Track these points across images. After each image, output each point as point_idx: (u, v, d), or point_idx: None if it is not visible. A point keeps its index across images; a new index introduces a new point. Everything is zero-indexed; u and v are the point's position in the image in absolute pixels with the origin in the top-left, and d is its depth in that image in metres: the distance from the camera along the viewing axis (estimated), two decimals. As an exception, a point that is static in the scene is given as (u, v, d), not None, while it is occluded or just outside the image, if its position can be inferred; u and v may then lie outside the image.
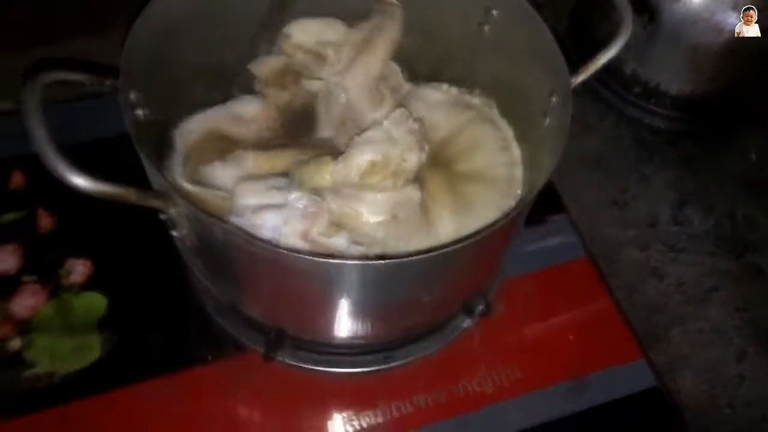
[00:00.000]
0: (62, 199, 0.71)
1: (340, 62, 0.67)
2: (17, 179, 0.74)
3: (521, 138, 0.69)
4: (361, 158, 0.59)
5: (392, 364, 0.67)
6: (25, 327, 0.66)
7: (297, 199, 0.56)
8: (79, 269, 0.69)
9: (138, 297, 0.69)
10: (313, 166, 0.60)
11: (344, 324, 0.59)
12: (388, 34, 0.67)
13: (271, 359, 0.64)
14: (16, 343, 0.65)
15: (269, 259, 0.49)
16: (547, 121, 0.62)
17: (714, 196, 0.92)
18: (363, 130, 0.61)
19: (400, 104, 0.69)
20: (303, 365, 0.66)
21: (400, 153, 0.60)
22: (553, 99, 0.61)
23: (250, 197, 0.56)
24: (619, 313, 0.74)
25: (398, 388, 0.67)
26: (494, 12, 0.67)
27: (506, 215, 0.52)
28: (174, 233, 0.53)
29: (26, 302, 0.66)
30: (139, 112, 0.56)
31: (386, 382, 0.67)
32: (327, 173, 0.59)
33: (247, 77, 0.70)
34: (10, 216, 0.72)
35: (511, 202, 0.65)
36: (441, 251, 0.49)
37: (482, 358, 0.69)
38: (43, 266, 0.69)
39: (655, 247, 0.87)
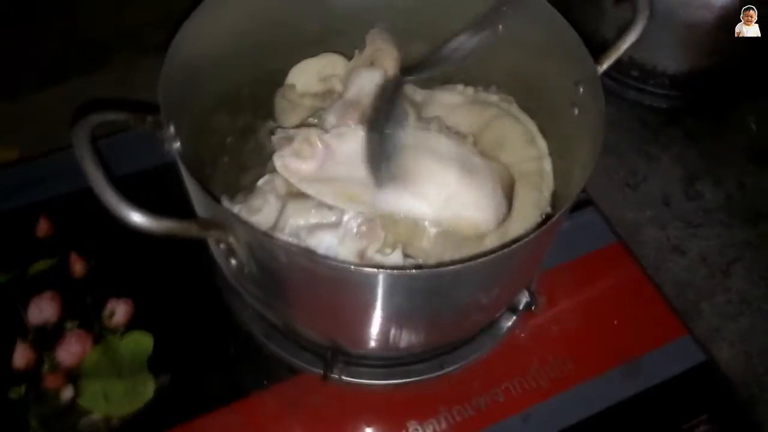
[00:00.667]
0: (93, 241, 0.71)
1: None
2: (43, 227, 0.73)
3: (545, 130, 0.69)
4: None
5: (447, 370, 0.67)
6: (74, 374, 0.64)
7: (352, 218, 0.56)
8: (121, 310, 0.68)
9: (185, 332, 0.68)
10: None
11: (404, 335, 0.59)
12: (391, 53, 0.67)
13: (330, 378, 0.64)
14: (68, 392, 0.63)
15: (332, 276, 0.49)
16: (576, 110, 0.62)
17: (721, 168, 0.93)
18: None
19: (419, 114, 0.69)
20: (359, 380, 0.66)
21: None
22: (580, 89, 0.61)
23: (301, 216, 0.56)
24: (658, 293, 0.75)
25: (456, 393, 0.66)
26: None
27: (562, 210, 0.53)
28: (232, 261, 0.52)
29: (72, 349, 0.65)
30: (177, 145, 0.56)
31: (444, 387, 0.67)
32: None
33: (268, 105, 0.71)
34: (41, 265, 0.70)
35: (545, 196, 0.65)
36: (499, 253, 0.49)
37: (532, 353, 0.70)
38: (83, 311, 0.68)
39: (673, 225, 0.88)
